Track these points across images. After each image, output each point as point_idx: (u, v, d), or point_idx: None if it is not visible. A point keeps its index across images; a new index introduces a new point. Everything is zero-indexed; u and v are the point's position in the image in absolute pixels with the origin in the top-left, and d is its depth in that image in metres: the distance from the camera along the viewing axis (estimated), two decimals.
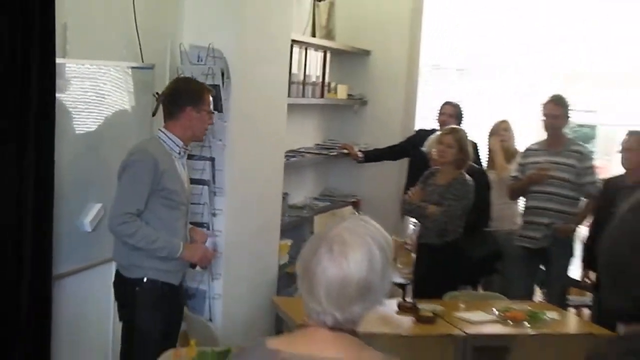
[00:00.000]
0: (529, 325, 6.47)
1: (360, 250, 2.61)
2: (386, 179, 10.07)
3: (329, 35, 9.79)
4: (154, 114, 5.82)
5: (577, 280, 8.58)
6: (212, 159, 6.50)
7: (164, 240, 5.29)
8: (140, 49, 6.01)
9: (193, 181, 6.23)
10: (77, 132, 5.48)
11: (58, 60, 4.96)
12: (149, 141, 5.46)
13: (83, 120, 5.52)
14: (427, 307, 6.58)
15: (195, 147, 6.34)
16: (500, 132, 9.19)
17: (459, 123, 8.73)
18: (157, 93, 5.98)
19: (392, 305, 6.60)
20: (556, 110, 8.11)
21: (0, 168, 4.61)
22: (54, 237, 5.07)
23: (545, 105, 8.17)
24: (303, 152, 9.17)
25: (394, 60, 10.43)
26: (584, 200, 8.11)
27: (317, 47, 9.22)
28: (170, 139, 5.40)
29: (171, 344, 5.38)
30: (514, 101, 11.49)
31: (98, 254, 5.70)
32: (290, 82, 8.09)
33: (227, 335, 6.30)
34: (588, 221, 8.18)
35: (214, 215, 6.52)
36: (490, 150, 9.19)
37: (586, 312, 8.87)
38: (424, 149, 7.97)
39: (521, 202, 8.52)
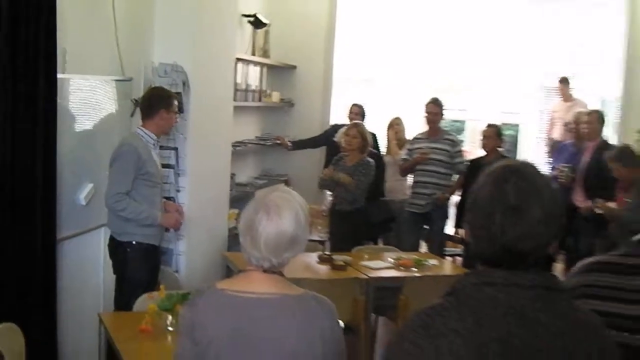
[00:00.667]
0: (415, 270, 6.55)
1: (290, 211, 2.72)
2: (309, 162, 10.08)
3: (265, 54, 9.80)
4: (132, 115, 5.88)
5: (452, 236, 8.75)
6: (176, 149, 6.54)
7: (148, 212, 5.44)
8: (122, 65, 6.01)
9: (163, 166, 6.27)
10: (74, 130, 5.50)
11: (59, 76, 4.99)
12: (131, 136, 5.54)
13: (78, 121, 5.54)
14: (339, 258, 6.63)
15: (164, 140, 6.33)
16: (394, 126, 9.28)
17: (363, 119, 8.82)
18: (134, 99, 6.05)
19: (313, 257, 6.66)
20: (434, 108, 8.23)
21: (18, 159, 4.66)
22: (57, 209, 5.12)
23: (427, 105, 8.27)
24: (246, 142, 9.19)
25: (314, 73, 10.55)
26: (455, 176, 8.23)
27: (255, 63, 9.27)
28: (146, 134, 5.51)
29: (152, 290, 5.46)
30: (405, 102, 11.56)
31: (91, 222, 5.74)
32: (236, 90, 8.12)
33: (189, 282, 6.31)
34: (459, 191, 8.32)
35: (178, 191, 6.56)
36: (387, 140, 9.29)
37: (459, 259, 9.00)
38: (335, 139, 8.06)
39: (410, 178, 8.60)
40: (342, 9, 10.78)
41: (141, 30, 6.42)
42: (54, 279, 5.16)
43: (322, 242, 8.09)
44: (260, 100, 9.50)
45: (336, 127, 8.88)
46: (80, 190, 5.56)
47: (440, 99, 8.37)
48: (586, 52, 11.98)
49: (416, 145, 8.29)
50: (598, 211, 7.05)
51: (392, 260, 6.73)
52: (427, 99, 8.42)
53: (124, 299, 5.30)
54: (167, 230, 5.94)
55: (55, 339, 5.23)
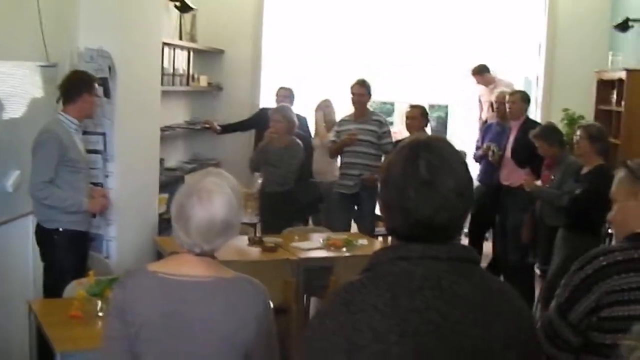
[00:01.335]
0: (345, 250, 6.63)
1: (221, 196, 2.71)
2: (238, 146, 10.09)
3: (193, 38, 9.77)
4: (57, 101, 5.80)
5: (381, 216, 8.81)
6: (103, 134, 6.45)
7: (72, 199, 5.42)
8: (46, 51, 5.93)
9: (89, 151, 6.24)
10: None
11: None
12: (53, 122, 5.47)
13: (2, 108, 5.44)
14: (270, 239, 6.66)
15: (91, 125, 6.31)
16: (323, 108, 9.32)
17: (291, 102, 8.86)
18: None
19: (244, 239, 6.64)
20: (360, 89, 8.21)
21: None
22: None
23: (353, 87, 8.27)
24: (175, 127, 9.16)
25: (242, 56, 10.57)
26: (384, 156, 8.28)
27: (183, 48, 9.22)
28: (67, 119, 5.47)
29: (81, 275, 5.44)
30: (335, 84, 11.60)
31: (18, 210, 5.65)
32: (163, 74, 8.05)
33: (120, 268, 6.25)
34: None
35: (106, 176, 6.49)
36: (315, 122, 9.32)
37: (389, 239, 9.06)
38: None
39: (339, 160, 8.63)
40: None
41: (65, 14, 6.33)
42: None
43: (252, 225, 8.13)
44: (188, 84, 9.46)
45: (265, 111, 8.90)
46: (7, 178, 5.48)
47: (367, 80, 8.39)
48: (508, 32, 12.14)
49: (344, 127, 8.30)
50: (525, 187, 7.20)
51: (322, 241, 6.79)
52: (354, 80, 8.44)
53: (52, 286, 5.26)
54: (93, 215, 5.92)
55: None
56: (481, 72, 10.53)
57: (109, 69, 6.39)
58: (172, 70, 8.77)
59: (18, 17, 5.67)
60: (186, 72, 9.37)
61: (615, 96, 8.84)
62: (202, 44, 9.98)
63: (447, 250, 2.01)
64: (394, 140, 8.29)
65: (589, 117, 9.31)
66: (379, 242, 7.92)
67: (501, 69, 11.26)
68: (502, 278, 7.98)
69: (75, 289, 4.68)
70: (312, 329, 2.04)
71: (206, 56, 10.33)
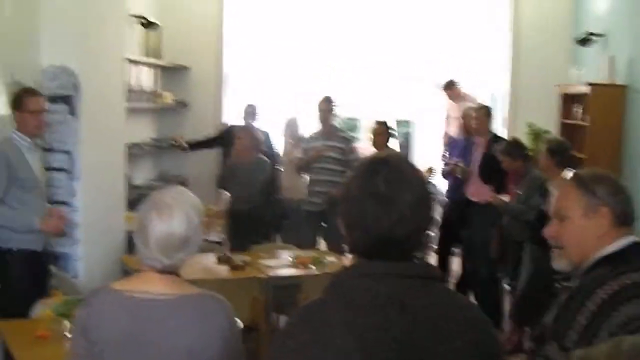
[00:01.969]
0: (314, 267, 6.63)
1: (181, 211, 2.73)
2: (206, 163, 10.09)
3: (158, 55, 9.77)
4: None
5: None
6: (68, 152, 6.41)
7: (22, 219, 5.34)
8: (9, 68, 5.89)
9: (54, 170, 6.27)
10: None
11: None
12: (4, 141, 5.39)
13: None
14: (238, 257, 6.65)
15: (56, 143, 6.31)
16: (290, 125, 9.31)
17: (257, 118, 8.89)
18: None
19: (211, 258, 6.65)
20: (326, 106, 8.26)
21: None
22: None
23: (319, 104, 8.31)
24: (141, 144, 9.13)
25: (206, 73, 10.58)
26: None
27: (148, 65, 9.21)
28: (19, 137, 5.39)
29: (42, 294, 5.36)
30: (301, 101, 11.64)
31: None
32: (129, 91, 8.04)
33: (88, 288, 6.17)
34: None
35: (72, 195, 6.46)
36: (283, 139, 9.33)
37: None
38: None
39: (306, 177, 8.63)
40: (231, 8, 10.78)
41: (27, 32, 6.29)
42: None
43: (220, 243, 8.10)
44: (154, 101, 9.43)
45: (231, 128, 8.90)
46: None
47: (331, 97, 8.42)
48: (474, 48, 12.25)
49: (311, 144, 8.32)
50: (492, 202, 7.24)
51: (290, 259, 6.79)
52: (320, 97, 8.46)
53: (8, 307, 5.19)
54: (54, 235, 5.81)
55: None
56: (450, 87, 10.63)
57: (74, 86, 6.36)
58: (137, 87, 8.75)
59: None
60: (152, 88, 9.34)
61: (579, 110, 8.92)
62: (168, 60, 9.97)
63: (409, 268, 2.02)
64: (360, 156, 8.32)
65: (554, 131, 9.38)
66: (347, 259, 7.89)
67: (468, 86, 11.36)
68: (472, 293, 8.02)
69: (42, 308, 4.63)
70: (274, 348, 2.05)
71: (172, 73, 10.32)
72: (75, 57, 6.44)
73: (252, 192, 7.55)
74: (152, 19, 9.10)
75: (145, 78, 9.07)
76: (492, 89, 11.59)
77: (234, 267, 6.46)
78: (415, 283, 2.01)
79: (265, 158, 7.73)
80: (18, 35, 6.07)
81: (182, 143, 9.61)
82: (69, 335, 4.16)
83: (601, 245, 2.62)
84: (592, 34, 9.27)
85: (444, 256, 8.66)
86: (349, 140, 8.35)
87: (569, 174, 2.73)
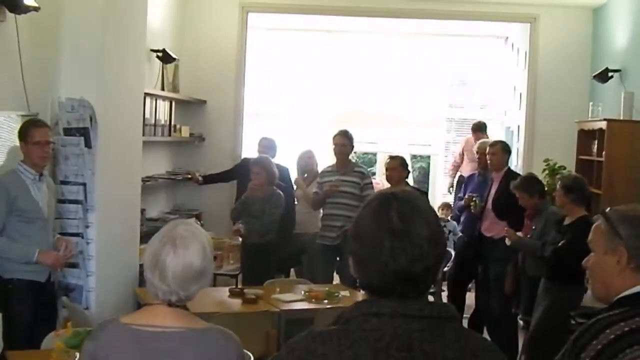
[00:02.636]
0: (327, 302, 6.60)
1: (196, 243, 2.76)
2: (220, 196, 10.08)
3: (175, 89, 9.82)
4: None
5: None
6: (84, 184, 6.44)
7: (20, 251, 5.38)
8: (27, 100, 5.95)
9: (70, 202, 6.34)
10: None
11: None
12: (7, 172, 5.48)
13: None
14: (251, 291, 6.62)
15: (71, 175, 6.37)
16: (305, 158, 9.33)
17: (273, 152, 8.88)
18: None
19: (224, 291, 6.65)
20: (343, 140, 8.26)
21: None
22: None
23: (335, 137, 8.32)
24: (157, 177, 9.17)
25: (224, 107, 10.63)
26: None
27: (165, 98, 9.28)
28: (25, 169, 5.46)
29: (47, 327, 5.38)
30: (316, 135, 11.68)
31: None
32: (145, 125, 8.09)
33: (100, 319, 6.12)
34: None
35: (87, 227, 6.46)
36: (297, 173, 9.33)
37: None
38: None
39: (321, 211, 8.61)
40: (252, 43, 10.87)
41: (47, 65, 6.37)
42: None
43: (233, 276, 8.10)
44: (170, 135, 9.49)
45: (247, 161, 8.90)
46: None
47: (348, 131, 8.43)
48: (490, 82, 12.29)
49: (326, 178, 8.30)
50: (507, 242, 7.20)
51: (303, 293, 6.76)
52: (336, 131, 8.48)
53: (11, 337, 5.19)
54: (54, 268, 5.80)
55: None
56: (481, 130, 10.66)
57: (90, 119, 6.41)
58: (153, 121, 8.81)
59: (0, 68, 5.69)
60: (168, 122, 9.40)
61: (596, 146, 8.90)
62: (184, 94, 10.03)
63: (419, 308, 1.98)
64: (375, 191, 8.32)
65: (571, 167, 9.36)
66: (360, 294, 7.86)
67: (482, 118, 11.40)
68: (485, 329, 7.97)
69: (53, 340, 4.63)
70: None
71: (188, 106, 10.38)
72: (93, 90, 6.49)
73: (266, 226, 7.55)
74: (170, 53, 9.16)
75: (161, 111, 9.12)
76: (507, 123, 11.59)
77: (247, 301, 6.44)
78: (427, 324, 1.97)
79: (280, 192, 7.72)
80: (37, 68, 6.14)
81: (197, 176, 9.62)
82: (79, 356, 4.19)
83: (624, 284, 2.62)
84: (609, 69, 9.27)
85: (458, 291, 8.61)
86: (364, 175, 8.33)
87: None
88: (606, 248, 2.64)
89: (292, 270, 8.99)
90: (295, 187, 9.06)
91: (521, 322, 7.91)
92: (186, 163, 10.30)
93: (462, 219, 8.59)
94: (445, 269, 8.82)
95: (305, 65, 11.88)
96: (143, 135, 7.80)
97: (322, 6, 10.73)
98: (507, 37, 11.88)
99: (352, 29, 12.01)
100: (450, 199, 11.00)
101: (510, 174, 7.99)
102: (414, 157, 12.09)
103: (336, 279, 8.43)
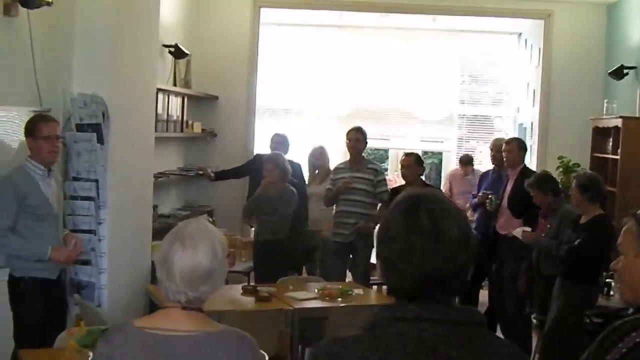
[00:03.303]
0: (340, 300, 6.55)
1: (205, 243, 2.70)
2: (232, 193, 10.06)
3: (187, 84, 9.79)
4: None
5: (375, 264, 8.61)
6: (96, 180, 6.40)
7: (32, 248, 5.29)
8: (39, 96, 5.90)
9: (82, 198, 6.31)
10: None
11: None
12: (15, 169, 5.37)
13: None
14: (264, 289, 6.59)
15: (83, 171, 6.34)
16: (316, 155, 9.29)
17: (286, 149, 8.83)
18: None
19: (237, 289, 6.61)
20: (357, 136, 8.20)
21: None
22: None
23: (349, 133, 8.27)
24: (168, 173, 9.12)
25: (236, 103, 10.60)
26: (379, 205, 8.24)
27: (177, 94, 9.23)
28: (33, 165, 5.35)
29: (58, 325, 5.37)
30: (328, 131, 11.64)
31: None
32: (157, 120, 8.05)
33: (112, 317, 6.18)
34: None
35: (99, 224, 6.42)
36: (309, 169, 9.29)
37: (384, 287, 9.00)
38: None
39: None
40: (264, 39, 10.83)
41: (60, 60, 6.33)
42: None
43: (246, 274, 8.05)
44: (182, 130, 9.46)
45: (259, 157, 8.86)
46: None
47: (362, 127, 8.38)
48: (501, 78, 12.23)
49: (339, 175, 8.25)
50: (522, 239, 7.14)
51: (317, 291, 6.71)
52: (350, 127, 8.45)
53: (21, 336, 5.15)
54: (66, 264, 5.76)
55: None
56: (468, 163, 10.70)
57: (103, 115, 6.37)
58: (165, 117, 8.77)
59: (12, 62, 5.67)
60: (180, 118, 9.36)
61: (611, 143, 8.84)
62: (196, 89, 9.99)
63: (445, 312, 1.95)
64: (389, 188, 8.28)
65: (585, 164, 9.30)
66: (374, 292, 7.85)
67: (495, 115, 11.36)
68: (498, 327, 7.91)
69: (66, 339, 4.59)
70: None
71: (200, 102, 10.34)
72: (105, 85, 6.45)
73: (279, 224, 7.50)
74: (182, 48, 9.12)
75: (174, 107, 9.08)
76: (520, 120, 11.53)
77: (260, 299, 6.40)
78: (453, 329, 1.94)
79: (293, 189, 7.67)
80: (49, 63, 6.10)
81: (209, 173, 9.58)
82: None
83: None
84: (624, 67, 9.19)
85: (471, 289, 8.55)
86: (378, 172, 8.28)
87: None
88: (637, 251, 2.59)
89: (304, 267, 8.94)
90: (307, 183, 9.02)
91: (535, 321, 7.86)
92: (198, 159, 10.27)
93: (476, 216, 8.53)
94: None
95: (317, 61, 11.81)
96: (155, 131, 7.76)
97: (334, 1, 10.74)
98: (520, 34, 11.80)
99: (364, 25, 11.97)
100: None
101: (526, 172, 7.94)
102: (425, 153, 12.01)
103: (349, 277, 8.38)
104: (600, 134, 9.23)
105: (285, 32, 11.92)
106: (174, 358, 2.63)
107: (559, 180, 8.06)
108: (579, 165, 9.35)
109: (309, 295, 6.66)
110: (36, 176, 5.35)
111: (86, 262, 6.31)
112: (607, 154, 8.91)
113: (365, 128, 8.43)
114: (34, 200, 5.30)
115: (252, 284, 6.92)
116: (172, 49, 9.10)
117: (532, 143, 10.70)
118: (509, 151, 8.02)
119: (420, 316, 1.93)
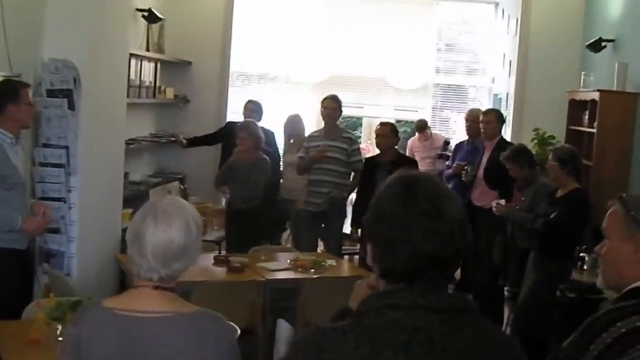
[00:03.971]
0: (313, 271, 6.51)
1: (180, 219, 2.61)
2: (205, 160, 9.96)
3: (160, 49, 9.67)
4: None
5: (349, 234, 8.64)
6: (66, 147, 6.29)
7: (3, 219, 5.14)
8: (9, 61, 5.77)
9: (52, 165, 6.19)
10: None
11: None
12: None
13: None
14: (236, 259, 6.51)
15: (54, 138, 6.23)
16: (292, 123, 9.20)
17: (259, 116, 8.74)
18: None
19: (208, 258, 6.54)
20: (332, 104, 8.11)
21: None
22: None
23: (324, 101, 8.18)
24: (140, 139, 9.02)
25: (210, 69, 10.48)
26: (352, 174, 8.20)
27: (150, 59, 9.12)
28: (1, 132, 5.19)
29: (27, 294, 5.31)
30: (301, 99, 11.54)
31: None
32: (129, 86, 7.94)
33: (82, 286, 6.10)
34: (355, 190, 8.28)
35: (69, 191, 6.31)
36: (284, 138, 9.21)
37: (356, 258, 9.00)
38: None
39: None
40: (240, 3, 10.70)
41: (31, 24, 6.19)
42: None
43: (217, 243, 7.99)
44: (154, 96, 9.34)
45: (231, 124, 8.78)
46: None
47: (337, 95, 8.29)
48: (475, 47, 12.17)
49: (313, 144, 8.17)
50: (496, 212, 7.12)
51: (289, 261, 6.67)
52: (325, 95, 8.36)
53: None
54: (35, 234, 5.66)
55: None
56: (424, 129, 10.57)
57: (74, 80, 6.25)
58: (138, 82, 8.65)
59: None
60: (153, 83, 9.24)
61: (587, 117, 8.82)
62: (170, 55, 9.87)
63: (439, 299, 1.90)
64: (363, 157, 8.23)
65: (560, 137, 9.28)
66: (346, 263, 7.84)
67: (469, 84, 11.32)
68: (470, 297, 7.92)
69: (34, 310, 4.51)
70: None
71: (173, 68, 10.20)
72: (77, 50, 6.32)
73: (252, 192, 7.44)
74: (156, 12, 8.98)
75: (146, 72, 8.95)
76: (495, 90, 11.49)
77: (232, 269, 6.34)
78: (447, 317, 1.89)
79: (267, 157, 7.60)
80: (20, 27, 5.96)
81: (181, 139, 9.49)
82: (61, 339, 4.07)
83: (638, 275, 2.51)
84: (603, 39, 9.16)
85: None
86: (353, 141, 8.22)
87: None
88: (622, 235, 2.53)
89: (284, 235, 8.92)
90: (283, 152, 8.94)
91: (507, 293, 7.88)
92: (170, 125, 10.16)
93: (450, 187, 8.49)
94: None
95: (292, 27, 11.66)
96: (127, 97, 7.64)
97: None
98: (497, 3, 11.70)
99: None
100: None
101: (503, 143, 7.93)
102: (398, 121, 11.93)
103: (320, 246, 8.36)
104: (577, 107, 9.20)
105: None
106: (145, 339, 2.55)
107: (534, 153, 8.04)
108: (554, 138, 9.33)
109: (281, 266, 6.61)
110: (5, 144, 5.20)
111: (56, 231, 6.20)
112: (584, 127, 8.89)
113: (340, 96, 8.34)
114: (4, 169, 5.15)
115: (223, 253, 6.85)
116: (145, 13, 8.96)
117: (507, 114, 10.65)
118: (486, 122, 8.00)
119: (415, 303, 1.87)
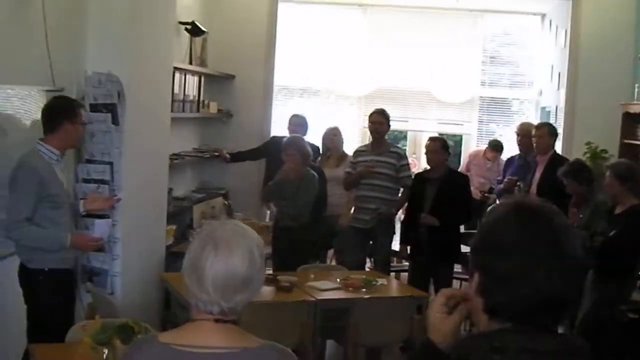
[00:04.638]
0: (364, 290, 6.30)
1: (241, 248, 2.38)
2: (248, 175, 9.85)
3: (203, 63, 9.53)
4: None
5: (397, 251, 8.40)
6: (110, 163, 6.14)
7: (52, 237, 5.01)
8: (52, 75, 5.64)
9: (95, 181, 6.07)
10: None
11: None
12: (30, 154, 5.02)
13: (7, 134, 5.21)
14: (284, 278, 6.34)
15: (97, 153, 6.10)
16: (330, 136, 9.01)
17: (304, 131, 8.56)
18: None
19: None
20: (380, 119, 7.95)
21: None
22: None
23: (371, 116, 8.04)
24: (183, 155, 8.88)
25: (253, 82, 10.38)
26: (401, 190, 7.98)
27: (193, 73, 8.98)
28: (48, 150, 5.03)
29: (70, 313, 5.18)
30: (344, 112, 11.39)
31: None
32: (173, 100, 7.79)
33: (126, 306, 5.95)
34: (404, 206, 8.08)
35: (113, 208, 6.17)
36: (323, 152, 9.01)
37: (403, 275, 8.79)
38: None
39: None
40: (283, 16, 10.57)
41: (74, 38, 6.09)
42: None
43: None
44: (198, 111, 9.22)
45: (276, 139, 8.61)
46: None
47: (385, 109, 8.13)
48: (525, 61, 11.94)
49: (360, 158, 8.02)
50: None
51: (339, 281, 6.48)
52: (372, 109, 8.21)
53: (39, 330, 4.87)
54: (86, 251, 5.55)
55: None
56: (499, 150, 10.30)
57: (118, 94, 6.11)
58: (182, 96, 8.52)
59: (25, 41, 5.44)
60: (196, 97, 9.11)
61: None
62: (213, 68, 9.74)
63: (549, 342, 1.68)
64: (412, 173, 8.03)
65: (613, 151, 9.03)
66: (397, 282, 7.63)
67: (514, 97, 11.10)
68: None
69: (78, 333, 4.33)
70: None
71: (217, 81, 10.09)
72: (121, 64, 6.18)
73: (300, 209, 7.24)
74: (199, 25, 8.85)
75: (190, 86, 8.81)
76: (543, 103, 11.24)
77: (281, 289, 6.15)
78: None
79: (314, 173, 7.40)
80: (63, 41, 5.86)
81: (224, 154, 9.34)
82: None
83: None
84: None
85: None
86: (401, 156, 8.03)
87: None
88: None
89: (329, 252, 8.73)
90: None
91: None
92: (214, 140, 10.03)
93: None
94: None
95: (336, 40, 11.52)
96: (171, 111, 7.50)
97: None
98: (544, 15, 11.48)
99: (386, 3, 11.68)
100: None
101: (557, 158, 7.70)
102: (441, 135, 11.71)
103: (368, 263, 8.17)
104: (630, 120, 8.92)
105: (305, 10, 11.60)
106: None
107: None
108: (606, 152, 9.10)
109: (331, 286, 6.42)
110: (52, 162, 5.05)
111: (99, 249, 6.02)
112: (638, 140, 8.61)
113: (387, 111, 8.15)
114: (54, 188, 5.01)
115: (270, 271, 6.65)
116: (188, 27, 8.84)
117: (557, 127, 10.39)
118: (539, 136, 7.78)
119: (523, 347, 1.66)
